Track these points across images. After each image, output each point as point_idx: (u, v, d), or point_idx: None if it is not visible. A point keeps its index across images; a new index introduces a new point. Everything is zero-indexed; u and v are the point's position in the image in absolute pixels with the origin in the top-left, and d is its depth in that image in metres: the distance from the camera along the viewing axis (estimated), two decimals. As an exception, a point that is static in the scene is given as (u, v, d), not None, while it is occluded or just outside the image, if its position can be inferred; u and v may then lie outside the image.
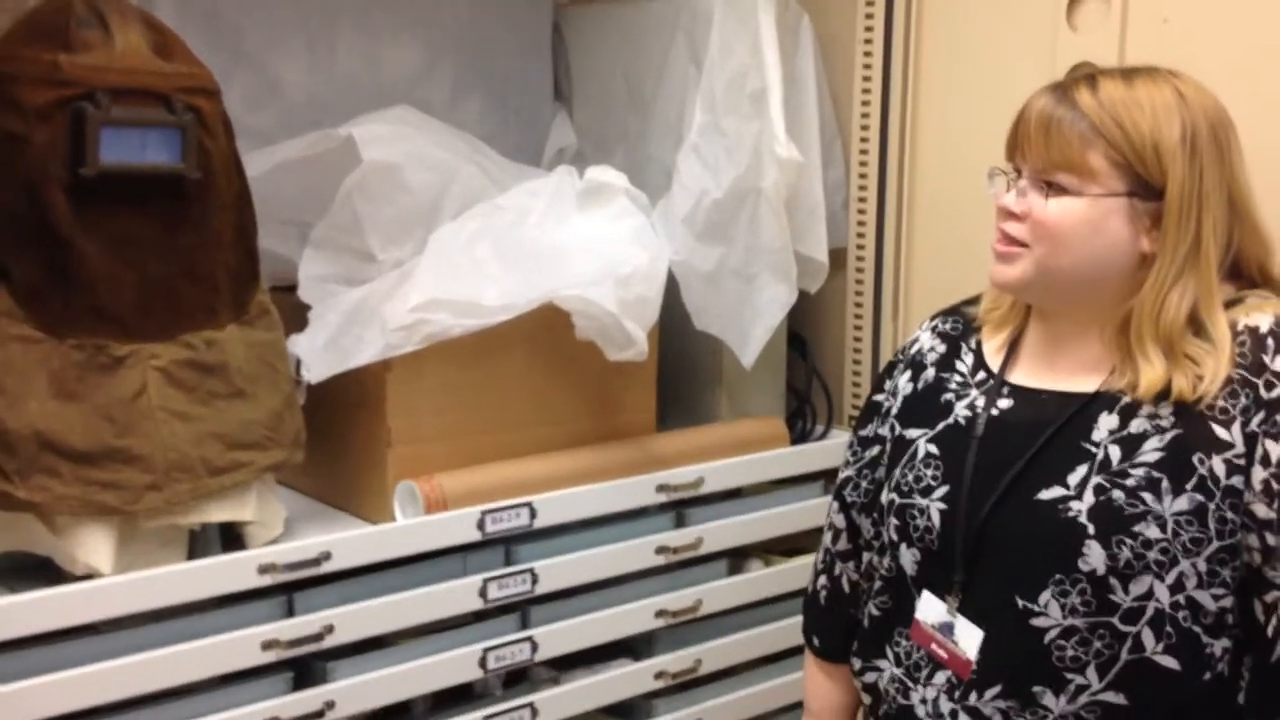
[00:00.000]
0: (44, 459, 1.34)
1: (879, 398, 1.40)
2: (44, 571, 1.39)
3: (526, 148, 2.14)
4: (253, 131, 1.74)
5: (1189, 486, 1.13)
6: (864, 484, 1.40)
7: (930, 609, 1.25)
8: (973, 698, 1.20)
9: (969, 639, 1.21)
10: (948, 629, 1.23)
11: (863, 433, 1.41)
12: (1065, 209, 1.16)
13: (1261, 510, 1.12)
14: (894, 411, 1.36)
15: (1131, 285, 1.18)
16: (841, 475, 1.44)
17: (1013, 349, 1.29)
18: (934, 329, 1.38)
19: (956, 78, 1.84)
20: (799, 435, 2.00)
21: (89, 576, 1.37)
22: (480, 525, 1.61)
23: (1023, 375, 1.27)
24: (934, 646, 1.24)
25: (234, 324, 1.48)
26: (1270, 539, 1.12)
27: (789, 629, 1.92)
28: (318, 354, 1.59)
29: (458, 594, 1.60)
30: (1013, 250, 1.20)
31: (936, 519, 1.25)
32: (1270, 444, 1.12)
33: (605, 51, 2.11)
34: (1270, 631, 1.14)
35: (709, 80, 1.84)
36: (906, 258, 1.94)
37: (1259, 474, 1.12)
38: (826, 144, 1.95)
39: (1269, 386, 1.14)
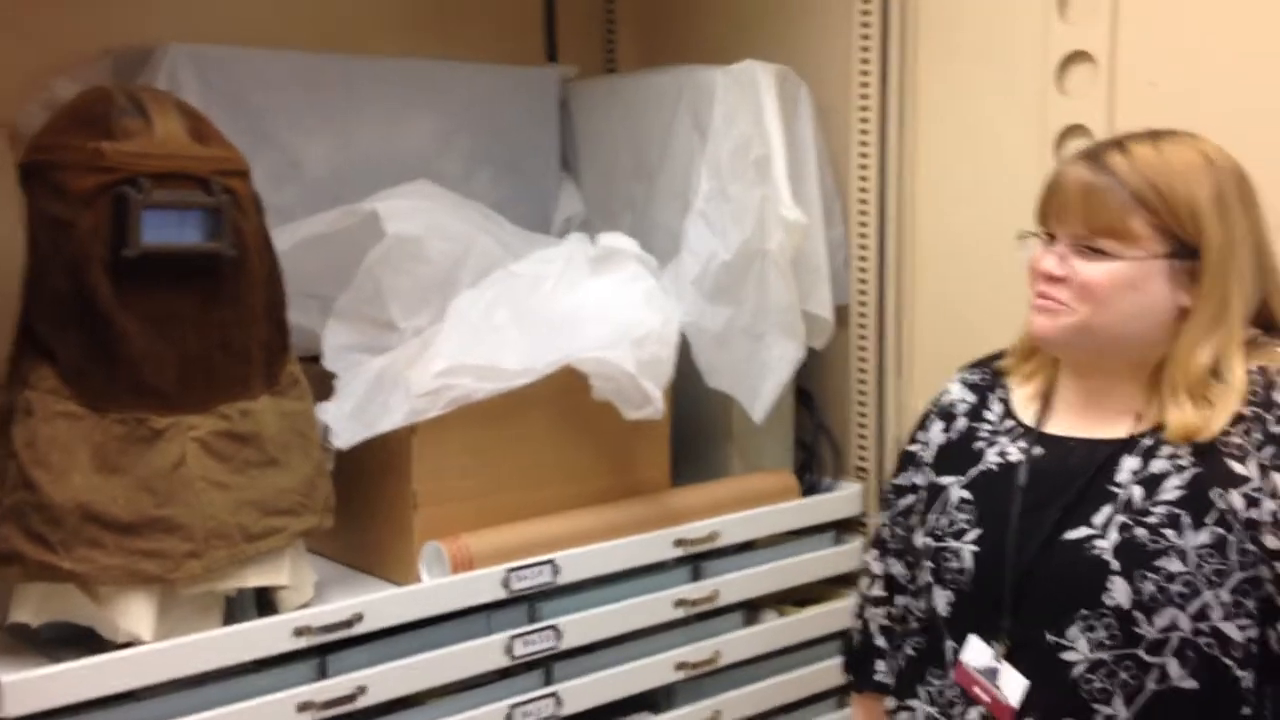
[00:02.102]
0: (88, 530, 1.39)
1: (913, 448, 1.45)
2: (84, 641, 1.43)
3: (536, 217, 2.21)
4: (276, 209, 1.79)
5: (1209, 521, 1.18)
6: (899, 530, 1.44)
7: (976, 653, 1.28)
8: None
9: (1013, 687, 1.24)
10: (992, 674, 1.26)
11: (898, 481, 1.46)
12: (1109, 272, 1.22)
13: (1272, 541, 1.18)
14: (928, 460, 1.41)
15: (1164, 337, 1.24)
16: (878, 523, 1.50)
17: (1045, 401, 1.34)
18: (963, 381, 1.44)
19: (950, 140, 1.92)
20: (808, 487, 2.06)
21: (129, 644, 1.42)
22: (505, 583, 1.66)
23: (1055, 425, 1.32)
24: (976, 690, 1.27)
25: (266, 394, 1.54)
26: None
27: (806, 678, 1.97)
28: (345, 421, 1.65)
29: (484, 652, 1.64)
30: (1057, 308, 1.25)
31: (969, 561, 1.29)
32: (1278, 477, 1.18)
33: (610, 124, 2.19)
34: None
35: (714, 148, 1.92)
36: (908, 312, 2.00)
37: (1269, 506, 1.18)
38: (827, 206, 2.03)
39: (1278, 421, 1.20)
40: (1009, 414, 1.37)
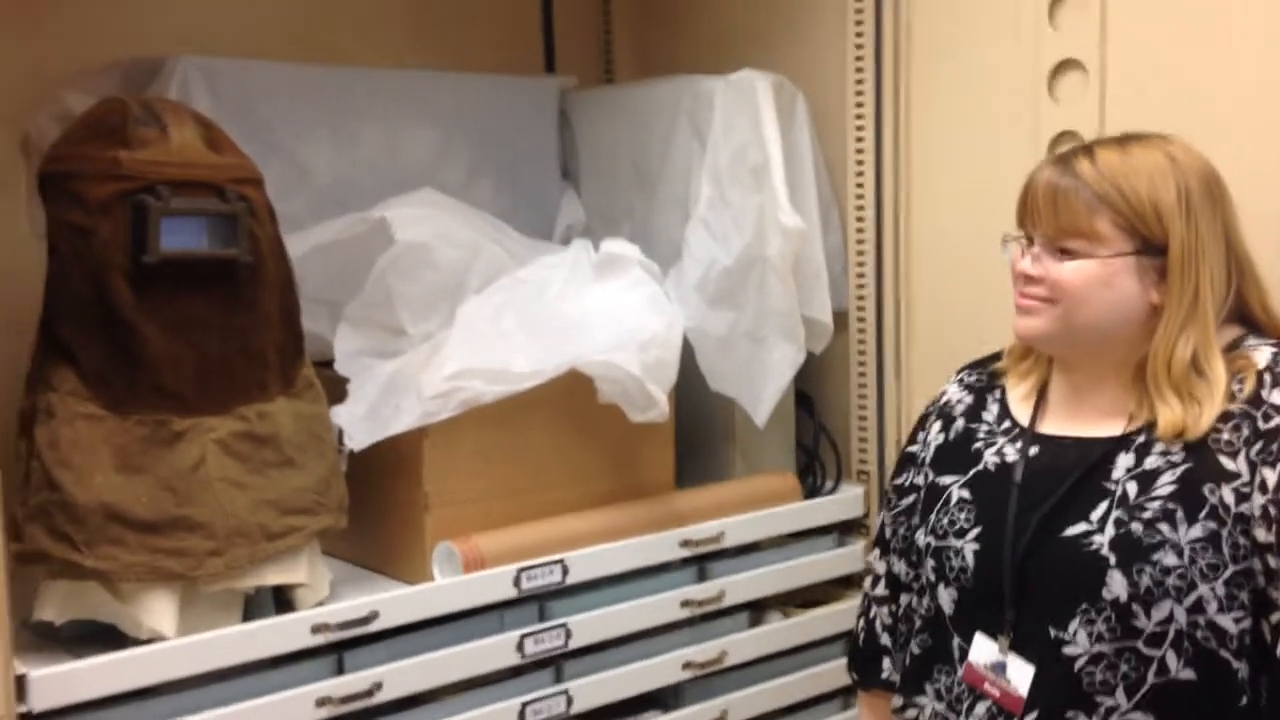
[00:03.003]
0: (110, 529, 1.41)
1: (913, 448, 1.49)
2: (105, 638, 1.46)
3: (537, 224, 2.25)
4: (284, 217, 1.82)
5: (1202, 516, 1.22)
6: (901, 530, 1.47)
7: (983, 650, 1.32)
8: None
9: (1020, 676, 1.28)
10: (1000, 668, 1.30)
11: (898, 481, 1.49)
12: (1079, 270, 1.28)
13: (1261, 534, 1.21)
14: (927, 460, 1.45)
15: (1143, 334, 1.29)
16: (879, 523, 1.53)
17: (1039, 400, 1.39)
18: (960, 381, 1.49)
19: (944, 146, 1.96)
20: (810, 490, 2.09)
21: (151, 641, 1.44)
22: (516, 583, 1.69)
23: (1050, 424, 1.37)
24: (987, 686, 1.31)
25: (283, 397, 1.57)
26: (1271, 561, 1.21)
27: (812, 678, 2.00)
28: (359, 423, 1.68)
29: (497, 650, 1.67)
30: (1034, 305, 1.31)
31: (971, 559, 1.33)
32: (1266, 471, 1.22)
33: (610, 132, 2.23)
34: (1279, 651, 1.22)
35: (713, 156, 1.96)
36: (906, 316, 2.04)
37: (1258, 500, 1.22)
38: (824, 212, 2.07)
39: (1266, 418, 1.24)
40: (1006, 414, 1.41)
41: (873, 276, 2.07)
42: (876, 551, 1.53)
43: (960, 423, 1.44)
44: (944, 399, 1.49)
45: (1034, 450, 1.35)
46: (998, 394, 1.44)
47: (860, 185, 2.07)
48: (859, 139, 2.06)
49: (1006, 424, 1.40)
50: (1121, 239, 1.27)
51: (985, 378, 1.47)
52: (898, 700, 1.44)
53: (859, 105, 2.05)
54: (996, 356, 1.48)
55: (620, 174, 2.22)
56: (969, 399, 1.46)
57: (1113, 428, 1.31)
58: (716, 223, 1.95)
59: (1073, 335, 1.30)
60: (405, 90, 2.10)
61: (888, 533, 1.50)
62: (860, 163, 2.07)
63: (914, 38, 1.97)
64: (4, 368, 1.60)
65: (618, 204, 2.23)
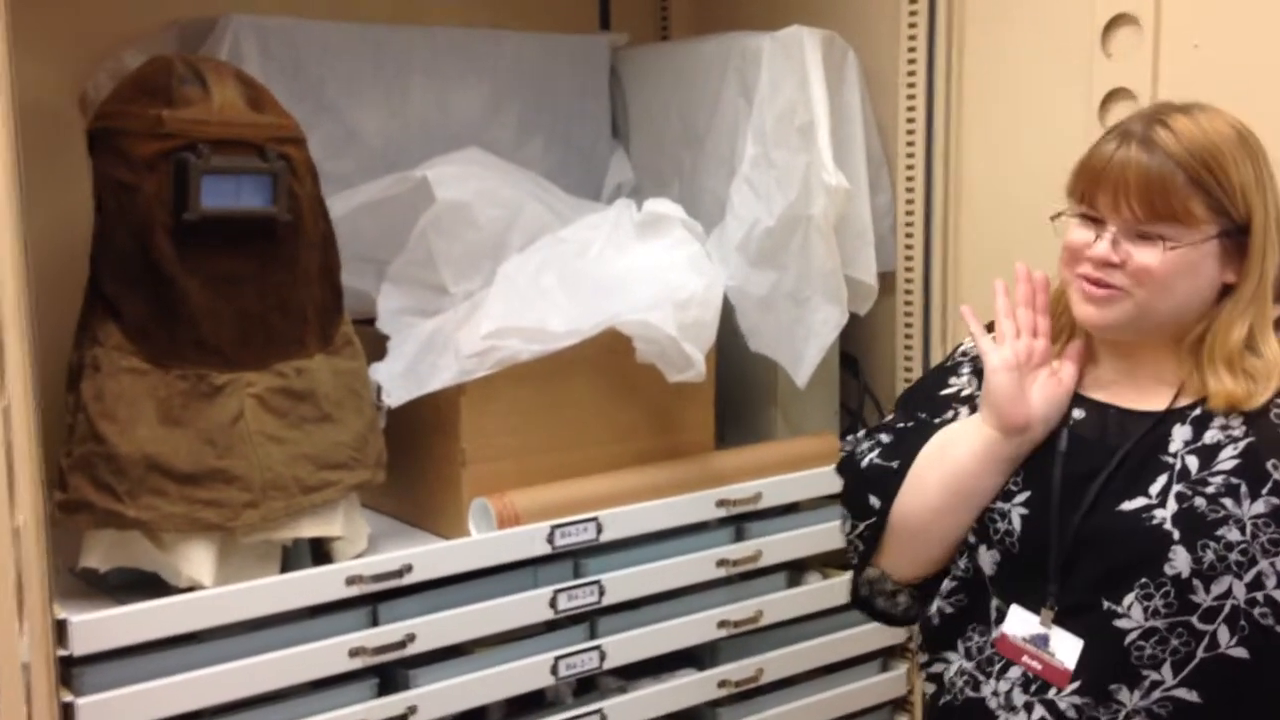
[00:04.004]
0: (152, 480, 1.46)
1: (949, 390, 1.40)
2: (149, 586, 1.51)
3: (587, 183, 2.25)
4: (334, 176, 1.86)
5: (1264, 491, 1.19)
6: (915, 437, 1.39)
7: (1020, 622, 1.29)
8: (1052, 692, 1.25)
9: (1067, 649, 1.25)
10: (1042, 640, 1.27)
11: (942, 418, 1.40)
12: (1172, 258, 1.22)
13: None
14: (968, 406, 1.38)
15: (1206, 311, 1.25)
16: (887, 420, 1.46)
17: (1080, 364, 1.33)
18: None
19: (997, 104, 1.92)
20: (853, 452, 2.08)
21: (191, 589, 1.49)
22: (550, 539, 1.71)
23: (1093, 389, 1.32)
24: (1026, 659, 1.27)
25: (321, 354, 1.60)
26: None
27: (848, 640, 2.00)
28: (397, 380, 1.71)
29: (530, 605, 1.70)
30: (1111, 294, 1.24)
31: (1018, 523, 1.30)
32: None
33: (660, 91, 2.22)
34: None
35: (759, 115, 1.94)
36: (954, 279, 2.01)
37: None
38: (873, 172, 2.04)
39: None
40: None
41: (921, 237, 2.04)
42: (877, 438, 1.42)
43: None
44: (974, 349, 1.41)
45: (1079, 413, 1.31)
46: None
47: (911, 144, 2.04)
48: (910, 96, 2.02)
49: None
50: (1211, 221, 1.22)
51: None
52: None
53: (911, 63, 2.01)
54: None
55: (669, 132, 2.21)
56: None
57: (1157, 400, 1.28)
58: (760, 182, 1.93)
59: (1146, 323, 1.25)
60: (455, 49, 2.10)
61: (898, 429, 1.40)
62: (911, 121, 2.03)
63: (967, -7, 1.93)
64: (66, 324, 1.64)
65: (667, 163, 2.22)
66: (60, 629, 1.39)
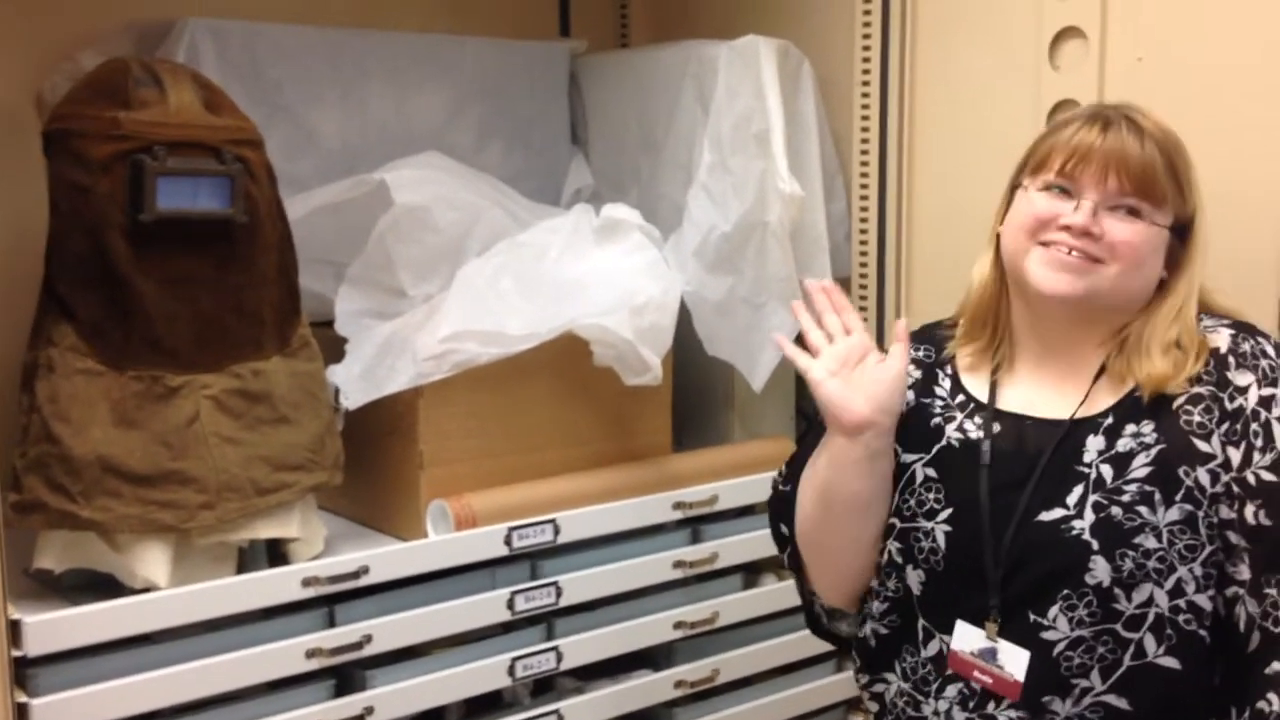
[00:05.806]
0: (106, 482, 1.46)
1: None
2: (104, 587, 1.50)
3: (546, 189, 2.26)
4: (291, 179, 1.86)
5: (1178, 498, 1.21)
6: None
7: (967, 637, 1.29)
8: (990, 706, 1.26)
9: (1015, 661, 1.25)
10: (990, 654, 1.27)
11: None
12: (1149, 233, 1.25)
13: (1224, 511, 1.22)
14: None
15: (1140, 308, 1.28)
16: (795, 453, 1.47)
17: (995, 374, 1.35)
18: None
19: (949, 114, 1.95)
20: (808, 456, 2.10)
21: (146, 590, 1.49)
22: (507, 541, 1.72)
23: (1009, 401, 1.34)
24: (976, 674, 1.28)
25: (278, 355, 1.60)
26: (1232, 537, 1.21)
27: (803, 641, 1.99)
28: (355, 382, 1.71)
29: (487, 606, 1.71)
30: (1087, 264, 1.26)
31: (942, 541, 1.30)
32: (1231, 450, 1.22)
33: (619, 98, 2.24)
34: (1242, 626, 1.21)
35: (716, 123, 1.97)
36: (906, 284, 2.04)
37: (1222, 478, 1.22)
38: (828, 179, 2.07)
39: (1231, 399, 1.24)
40: (959, 388, 1.37)
41: (875, 243, 2.07)
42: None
43: (910, 396, 1.38)
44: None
45: (996, 428, 1.32)
46: (948, 368, 1.39)
47: (865, 152, 2.07)
48: (864, 105, 2.05)
49: (961, 398, 1.36)
50: (1170, 213, 1.26)
51: (932, 350, 1.42)
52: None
53: (865, 73, 2.04)
54: (938, 325, 1.44)
55: (628, 139, 2.23)
56: (917, 373, 1.40)
57: (1068, 405, 1.29)
58: (717, 188, 1.95)
59: (1110, 299, 1.26)
60: (415, 54, 2.11)
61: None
62: (865, 129, 2.06)
63: (920, 5, 1.96)
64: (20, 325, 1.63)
65: (625, 169, 2.24)
66: (14, 630, 1.38)
